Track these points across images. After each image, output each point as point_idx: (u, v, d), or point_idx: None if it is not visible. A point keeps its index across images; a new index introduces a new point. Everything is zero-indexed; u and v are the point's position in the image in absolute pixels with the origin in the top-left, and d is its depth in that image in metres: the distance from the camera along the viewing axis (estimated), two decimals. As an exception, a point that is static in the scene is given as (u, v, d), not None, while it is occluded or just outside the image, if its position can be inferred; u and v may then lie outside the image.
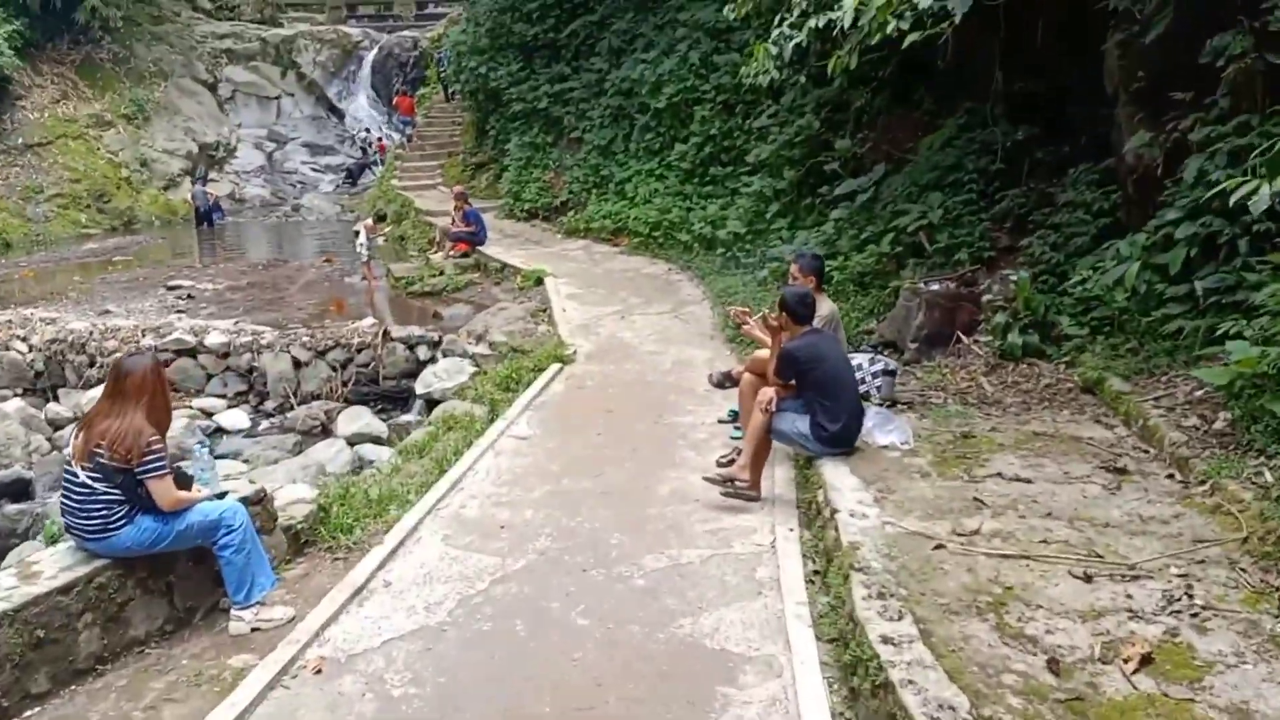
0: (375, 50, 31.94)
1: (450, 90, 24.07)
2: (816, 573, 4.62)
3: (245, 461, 9.19)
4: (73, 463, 4.26)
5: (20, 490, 9.00)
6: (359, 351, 10.84)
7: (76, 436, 4.30)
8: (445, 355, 10.69)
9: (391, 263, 16.13)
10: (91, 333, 10.92)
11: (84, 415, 4.55)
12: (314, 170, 28.99)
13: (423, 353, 10.85)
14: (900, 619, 3.54)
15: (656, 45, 15.83)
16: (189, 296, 13.56)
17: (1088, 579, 3.85)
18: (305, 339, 10.93)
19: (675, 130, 15.09)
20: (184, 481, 4.58)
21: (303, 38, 31.52)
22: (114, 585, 4.34)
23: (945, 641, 3.42)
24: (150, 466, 4.28)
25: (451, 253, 15.15)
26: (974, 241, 9.01)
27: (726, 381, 6.79)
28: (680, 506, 5.63)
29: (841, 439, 5.35)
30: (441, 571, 4.89)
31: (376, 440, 9.73)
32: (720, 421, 7.20)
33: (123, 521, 4.31)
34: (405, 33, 32.73)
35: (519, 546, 5.16)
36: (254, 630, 4.57)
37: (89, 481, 4.22)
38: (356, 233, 15.43)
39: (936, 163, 10.17)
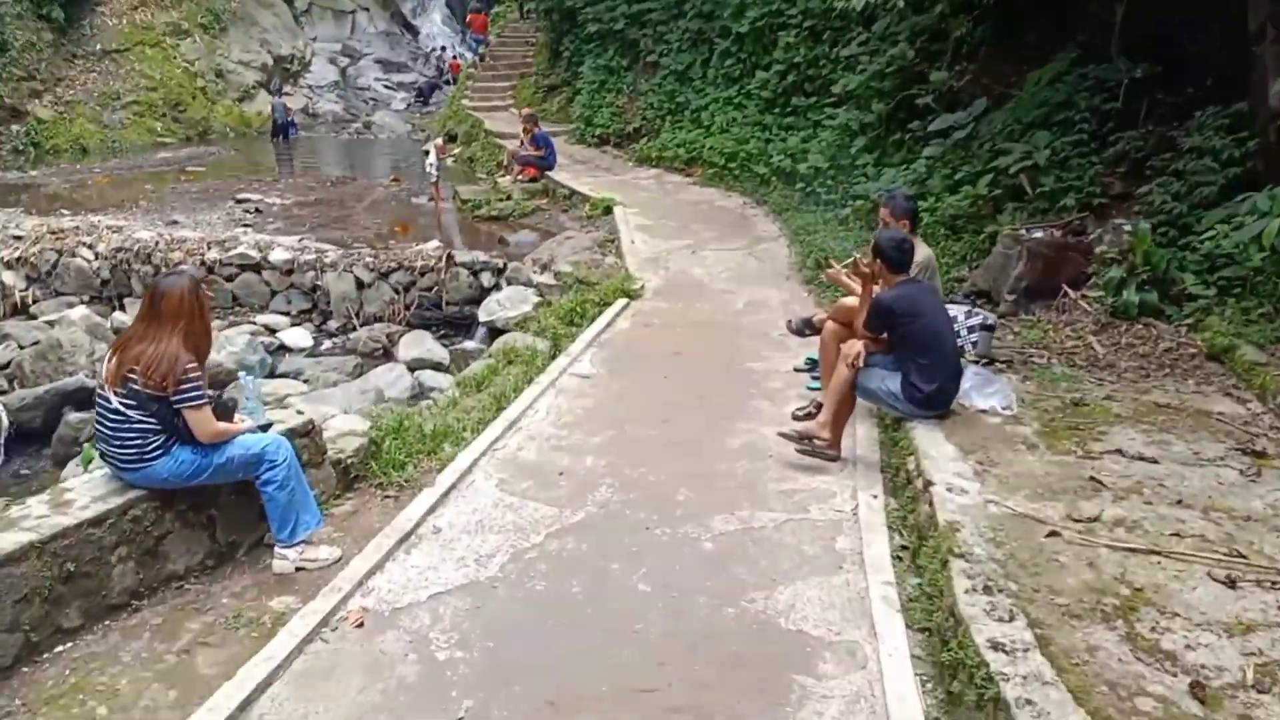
0: (452, -36, 31.14)
1: (525, 8, 23.32)
2: (904, 548, 4.14)
3: (305, 382, 8.98)
4: (105, 387, 3.96)
5: (84, 399, 8.91)
6: (422, 275, 10.50)
7: (110, 360, 3.98)
8: (509, 283, 10.30)
9: (459, 185, 15.70)
10: (157, 243, 10.76)
11: (118, 337, 4.22)
12: (386, 87, 28.58)
13: (486, 279, 10.47)
14: (1011, 620, 3.06)
15: (741, -35, 14.90)
16: (256, 210, 13.35)
17: (1231, 584, 3.31)
18: (369, 259, 10.62)
19: (757, 57, 14.25)
20: (225, 412, 4.26)
21: (379, -51, 30.85)
22: (150, 518, 4.06)
23: (1066, 652, 2.93)
24: (187, 395, 3.95)
25: (519, 177, 14.66)
26: (1083, 186, 8.21)
27: (807, 329, 6.25)
28: (752, 462, 5.18)
29: (936, 400, 4.82)
30: (495, 520, 4.54)
31: (437, 366, 9.44)
32: (796, 370, 6.69)
33: (158, 452, 4.00)
34: (483, -53, 31.79)
35: (578, 497, 4.78)
36: (298, 570, 4.28)
37: (122, 408, 3.91)
38: (426, 152, 15.05)
39: (1044, 99, 9.29)
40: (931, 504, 3.93)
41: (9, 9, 19.74)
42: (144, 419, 3.97)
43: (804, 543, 4.28)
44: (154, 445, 4.00)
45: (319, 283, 10.68)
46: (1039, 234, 7.52)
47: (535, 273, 10.21)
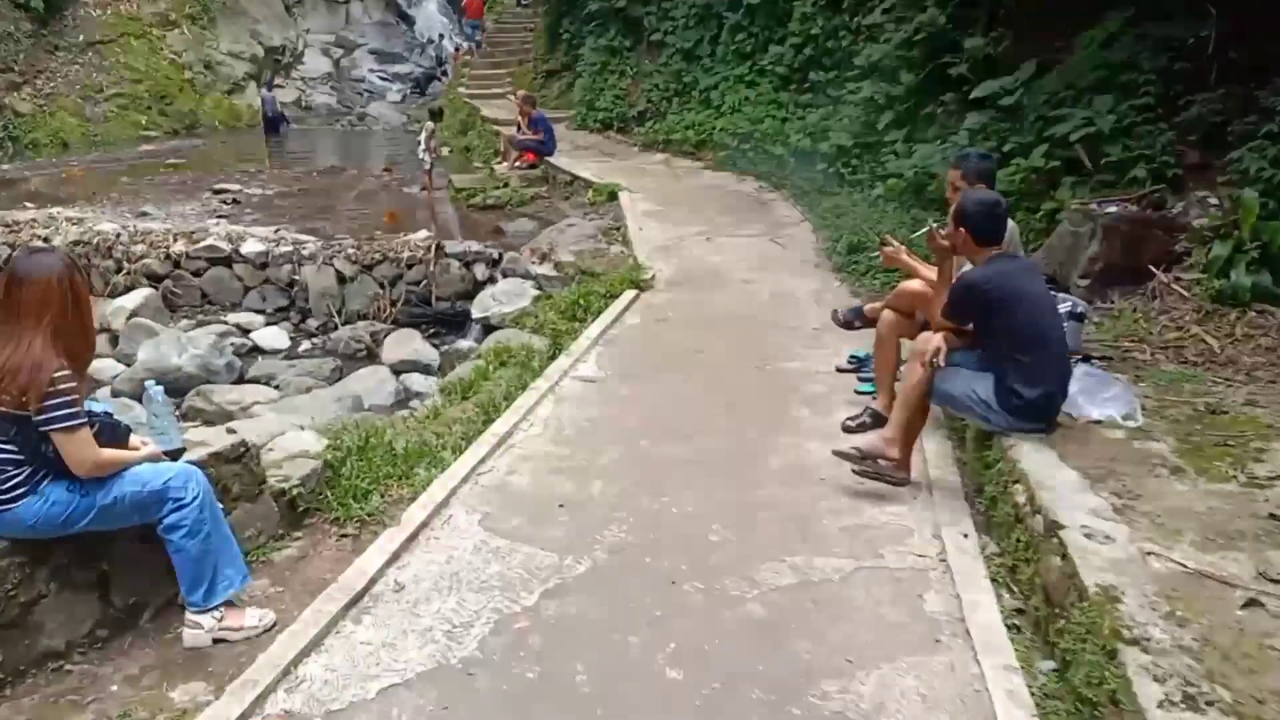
0: (448, -47, 29.99)
1: (522, -7, 22.28)
2: (1019, 611, 3.08)
3: (276, 387, 7.91)
4: (-59, 408, 2.90)
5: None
6: (409, 267, 9.42)
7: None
8: (505, 275, 9.22)
9: (455, 174, 14.62)
10: (120, 235, 9.68)
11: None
12: (381, 79, 27.47)
13: (480, 271, 9.39)
14: (1244, 757, 1.99)
15: (752, -67, 13.77)
16: (234, 201, 12.28)
17: None
18: (351, 251, 9.54)
19: (770, 30, 13.13)
20: (115, 435, 3.20)
21: (373, -62, 29.73)
22: (14, 578, 3.01)
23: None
24: (56, 414, 2.89)
25: (517, 163, 13.57)
26: (1155, 155, 7.11)
27: (857, 320, 5.18)
28: (800, 488, 4.10)
29: (1041, 409, 3.73)
30: (475, 572, 3.46)
31: (425, 369, 8.39)
32: (839, 370, 5.61)
33: (22, 490, 2.95)
34: (481, -65, 30.64)
35: (584, 537, 3.71)
36: (217, 642, 3.23)
37: (-36, 435, 2.86)
38: (419, 141, 13.98)
39: (1101, 61, 8.18)
40: (1066, 556, 2.84)
41: (-17, -4, 18.72)
42: (1, 446, 2.93)
43: (882, 602, 3.20)
44: (15, 482, 2.95)
45: (296, 277, 9.61)
46: (1113, 209, 6.42)
47: (534, 263, 9.13)
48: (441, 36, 28.92)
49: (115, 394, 7.70)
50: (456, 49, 26.94)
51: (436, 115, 14.24)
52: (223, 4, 25.42)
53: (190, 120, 22.05)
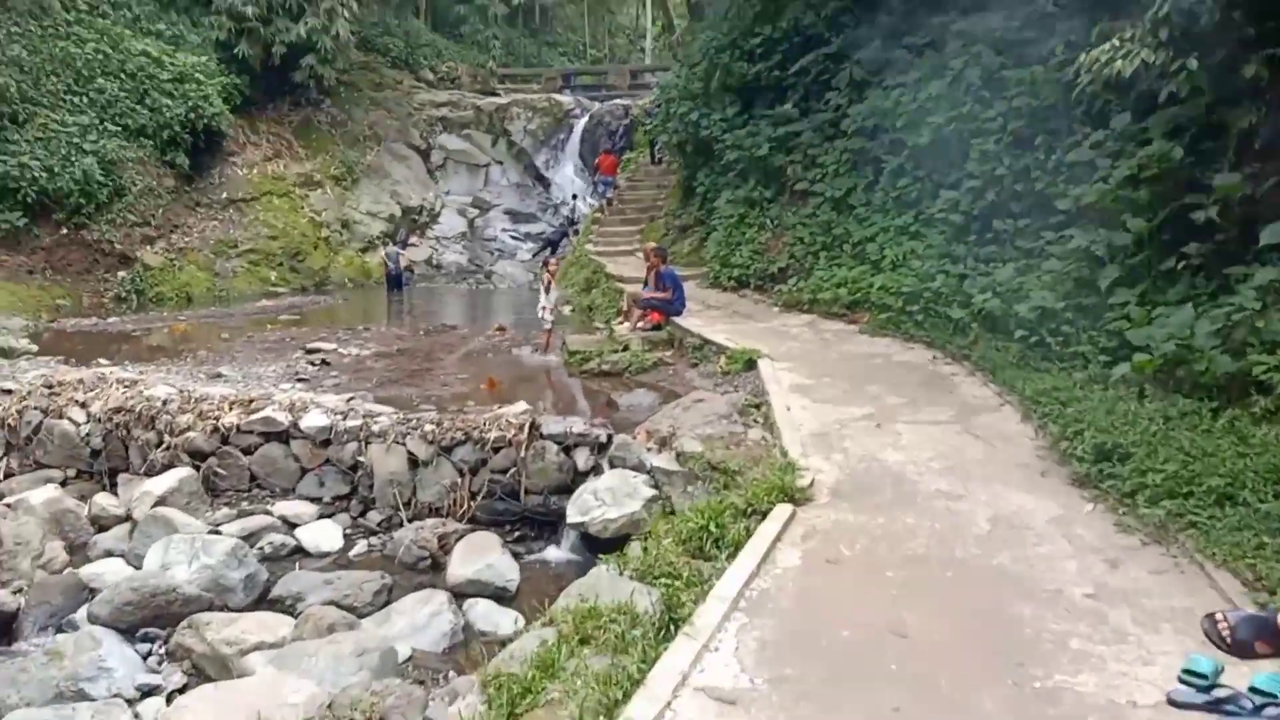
0: (586, 118, 29.87)
1: (657, 150, 21.20)
2: None
3: (295, 616, 5.83)
4: None
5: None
6: (496, 451, 7.41)
7: None
8: (614, 465, 7.08)
9: (573, 333, 12.88)
10: (166, 403, 8.10)
11: None
12: (513, 238, 26.87)
13: (582, 459, 7.28)
14: None
15: (916, 68, 11.95)
16: (323, 362, 10.77)
17: None
18: (429, 428, 7.62)
19: (942, 173, 11.05)
20: None
21: (516, 105, 29.96)
22: None
23: None
24: None
25: (640, 324, 11.69)
26: None
27: (1260, 644, 2.67)
28: None
29: None
30: None
31: (499, 595, 6.22)
32: (1176, 704, 3.04)
33: None
34: (617, 101, 30.58)
35: None
36: None
37: None
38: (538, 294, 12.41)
39: None
40: None
41: (131, 153, 18.85)
42: None
43: None
44: None
45: (361, 459, 7.73)
46: None
47: (650, 451, 6.96)
48: (575, 197, 28.40)
49: (92, 618, 5.80)
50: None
51: (551, 245, 12.68)
52: (368, 166, 25.66)
53: (321, 277, 21.61)
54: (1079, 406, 6.35)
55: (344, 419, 7.87)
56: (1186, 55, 6.84)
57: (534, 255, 26.08)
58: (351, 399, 8.29)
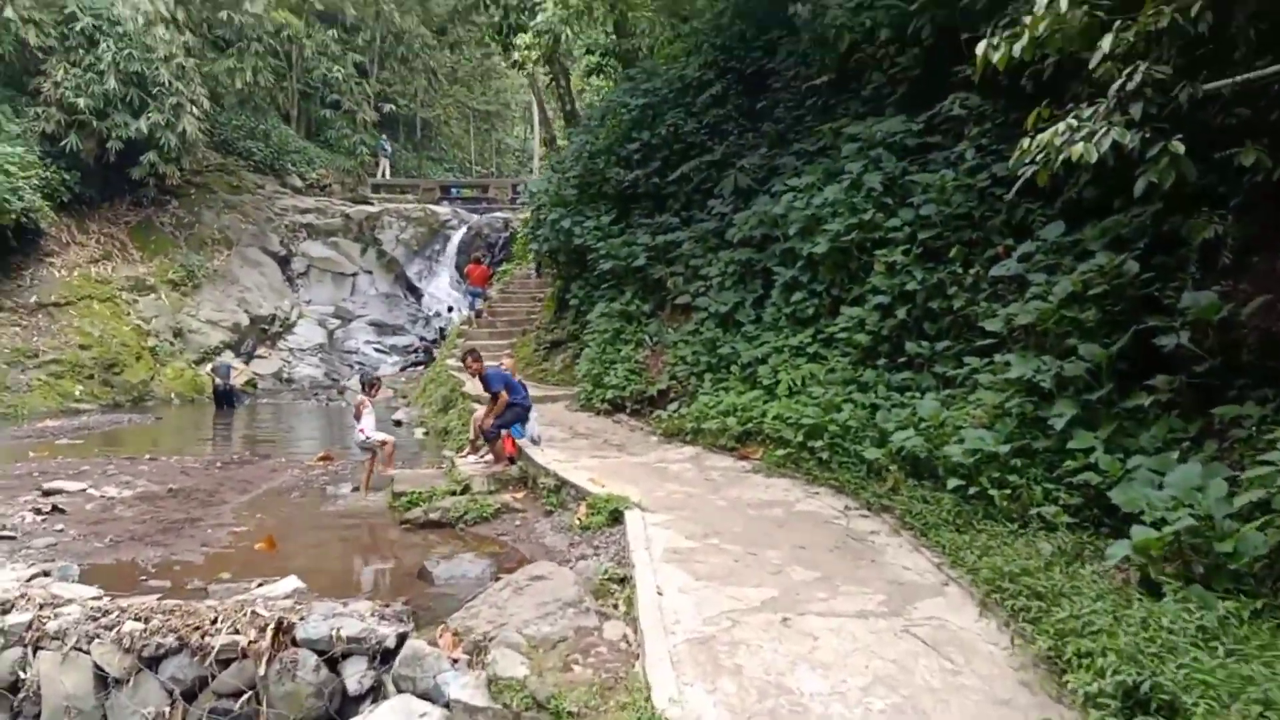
0: (463, 230, 28.02)
1: (538, 260, 19.36)
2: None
3: None
4: None
5: None
6: (223, 665, 4.84)
7: None
8: (398, 688, 4.61)
9: (409, 468, 10.41)
10: None
11: None
12: (377, 350, 24.30)
13: (355, 676, 4.79)
14: None
15: (809, 173, 10.42)
16: (53, 509, 7.95)
17: None
18: (131, 627, 5.00)
19: (842, 287, 9.36)
20: None
21: (388, 214, 27.89)
22: None
23: None
24: None
25: (487, 457, 9.36)
26: None
27: None
28: None
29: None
30: None
31: None
32: None
33: None
34: (498, 214, 28.91)
35: None
36: None
37: None
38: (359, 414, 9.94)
39: None
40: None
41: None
42: None
43: None
44: None
45: (23, 672, 5.01)
46: None
47: (453, 668, 4.55)
48: (451, 310, 26.19)
49: None
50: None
51: (369, 387, 10.24)
52: (213, 271, 22.88)
53: (140, 391, 18.49)
54: (1069, 607, 4.34)
55: (7, 611, 5.16)
56: (1167, 137, 5.24)
57: (402, 369, 23.55)
58: (35, 576, 5.59)
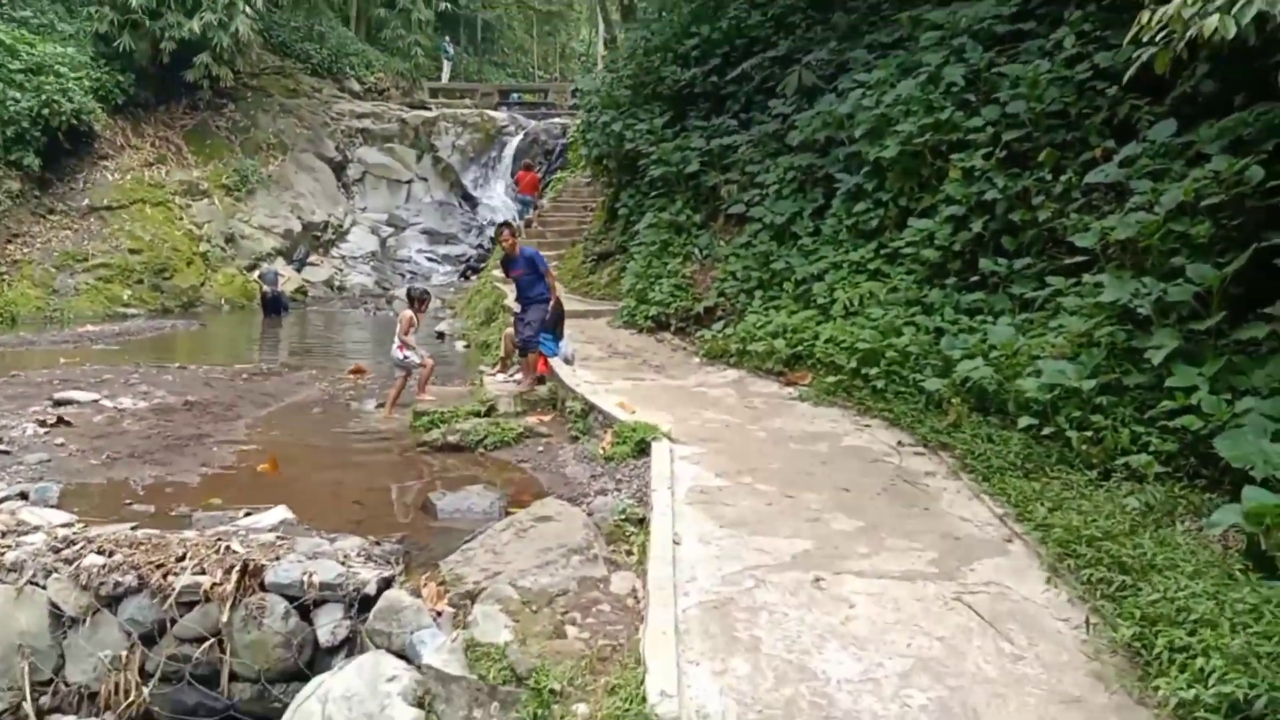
0: (520, 136, 27.05)
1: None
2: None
3: None
4: None
5: None
6: (187, 607, 4.38)
7: None
8: (374, 643, 4.09)
9: (439, 385, 9.90)
10: None
11: None
12: (429, 260, 23.86)
13: (328, 626, 4.29)
14: None
15: (881, 68, 9.27)
16: (58, 421, 7.63)
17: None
18: (94, 561, 4.56)
19: (911, 197, 8.34)
20: None
21: (445, 120, 27.07)
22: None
23: None
24: None
25: (517, 375, 8.77)
26: None
27: None
28: None
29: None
30: None
31: None
32: None
33: None
34: (556, 119, 27.81)
35: None
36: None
37: None
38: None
39: None
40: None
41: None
42: None
43: None
44: None
45: (-18, 608, 4.64)
46: None
47: (432, 625, 3.99)
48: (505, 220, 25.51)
49: None
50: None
51: (418, 301, 9.61)
52: (268, 176, 22.49)
53: (190, 297, 18.37)
54: (1160, 585, 3.54)
55: (-31, 535, 4.78)
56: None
57: (462, 277, 23.10)
58: (7, 498, 5.20)
